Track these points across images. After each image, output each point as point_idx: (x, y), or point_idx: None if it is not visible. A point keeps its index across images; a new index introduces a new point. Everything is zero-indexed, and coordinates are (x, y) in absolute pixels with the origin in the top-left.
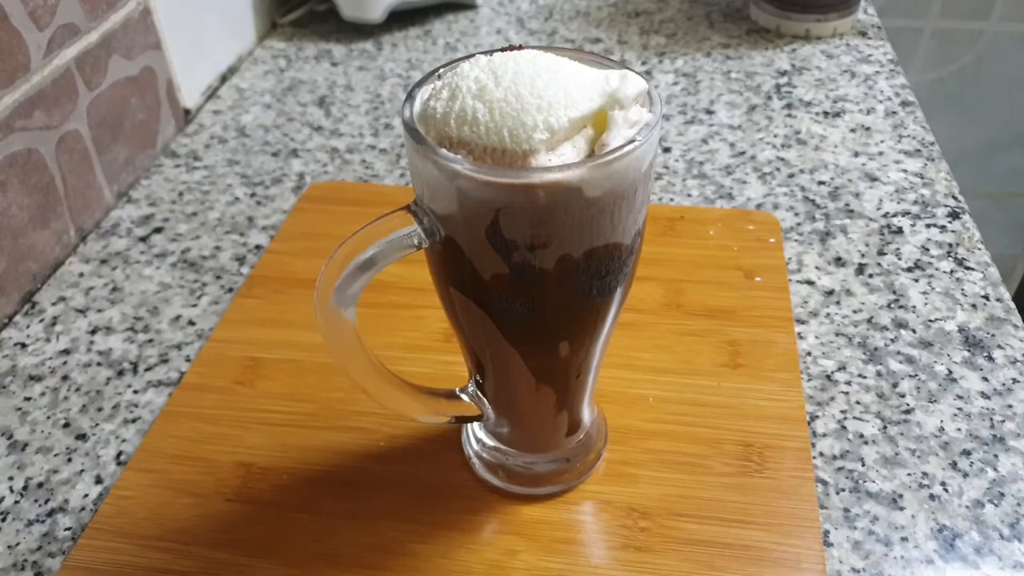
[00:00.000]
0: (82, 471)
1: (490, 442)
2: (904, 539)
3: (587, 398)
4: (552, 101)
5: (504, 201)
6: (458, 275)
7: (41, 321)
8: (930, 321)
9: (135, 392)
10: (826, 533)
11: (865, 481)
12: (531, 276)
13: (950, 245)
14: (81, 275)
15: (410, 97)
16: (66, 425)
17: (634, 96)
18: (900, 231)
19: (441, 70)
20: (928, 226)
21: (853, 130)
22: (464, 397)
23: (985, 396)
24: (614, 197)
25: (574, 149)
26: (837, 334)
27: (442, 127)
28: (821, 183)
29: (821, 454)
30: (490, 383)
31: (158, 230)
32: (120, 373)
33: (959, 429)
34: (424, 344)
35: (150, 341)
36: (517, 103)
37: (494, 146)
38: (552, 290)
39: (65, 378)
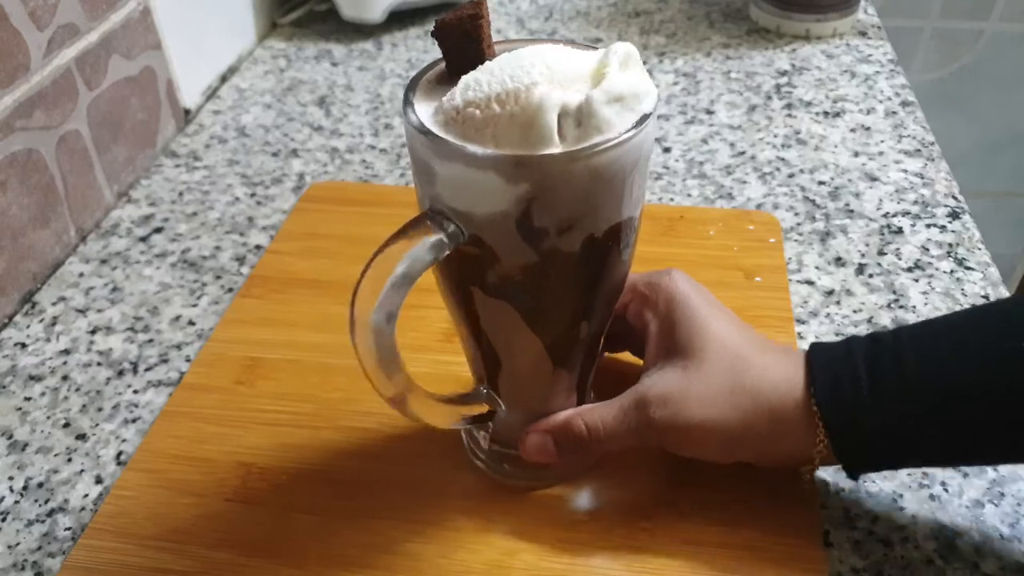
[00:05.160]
0: (82, 471)
1: (494, 436)
2: (904, 539)
3: (591, 379)
4: (548, 54)
5: (539, 183)
6: (480, 273)
7: (41, 321)
8: None
9: (135, 392)
10: (826, 533)
11: (865, 481)
12: (559, 260)
13: (950, 245)
14: (81, 275)
15: (408, 103)
16: (66, 425)
17: (626, 52)
18: (900, 231)
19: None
20: (928, 226)
21: (853, 130)
22: (478, 400)
23: None
24: (633, 169)
25: (578, 94)
26: (837, 334)
27: (448, 108)
28: (821, 183)
29: None
30: (505, 377)
31: (158, 230)
32: (120, 373)
33: None
34: (424, 344)
35: (150, 341)
36: (513, 60)
37: (497, 92)
38: (577, 271)
39: (65, 378)
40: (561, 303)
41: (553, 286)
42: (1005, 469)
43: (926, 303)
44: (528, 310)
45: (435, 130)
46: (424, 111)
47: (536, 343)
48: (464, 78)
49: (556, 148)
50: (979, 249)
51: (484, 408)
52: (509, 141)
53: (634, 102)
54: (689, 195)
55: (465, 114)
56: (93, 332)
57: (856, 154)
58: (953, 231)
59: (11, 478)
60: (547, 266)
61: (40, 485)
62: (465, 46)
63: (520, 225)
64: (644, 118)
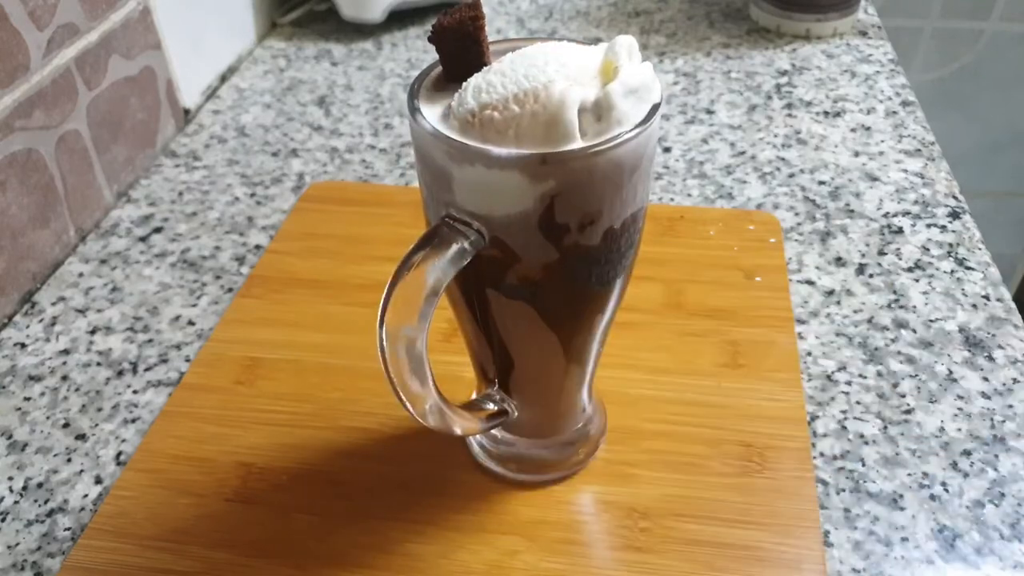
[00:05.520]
0: (82, 471)
1: (499, 435)
2: (904, 539)
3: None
4: (556, 51)
5: (563, 179)
6: (499, 275)
7: (41, 321)
8: (930, 321)
9: (135, 392)
10: (826, 533)
11: (865, 481)
12: (580, 256)
13: (950, 245)
14: (81, 275)
15: (415, 110)
16: (66, 425)
17: (630, 44)
18: (900, 231)
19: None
20: (928, 226)
21: (853, 130)
22: (490, 404)
23: (985, 396)
24: (646, 159)
25: (593, 89)
26: (837, 334)
27: (461, 112)
28: (821, 183)
29: (821, 454)
30: (518, 378)
31: (158, 230)
32: (120, 373)
33: (959, 429)
34: None
35: (150, 341)
36: (524, 59)
37: (515, 92)
38: (596, 265)
39: (65, 378)
40: (580, 298)
41: (573, 282)
42: (1005, 469)
43: (927, 303)
44: (547, 308)
45: (451, 135)
46: (431, 117)
47: (552, 341)
48: (471, 81)
49: (578, 143)
50: (979, 249)
51: (495, 410)
52: (531, 140)
53: (646, 93)
54: (689, 195)
55: (483, 117)
56: (93, 332)
57: (856, 154)
58: (953, 231)
59: (11, 478)
60: (568, 262)
61: (40, 485)
62: (466, 48)
63: (542, 223)
64: (655, 108)
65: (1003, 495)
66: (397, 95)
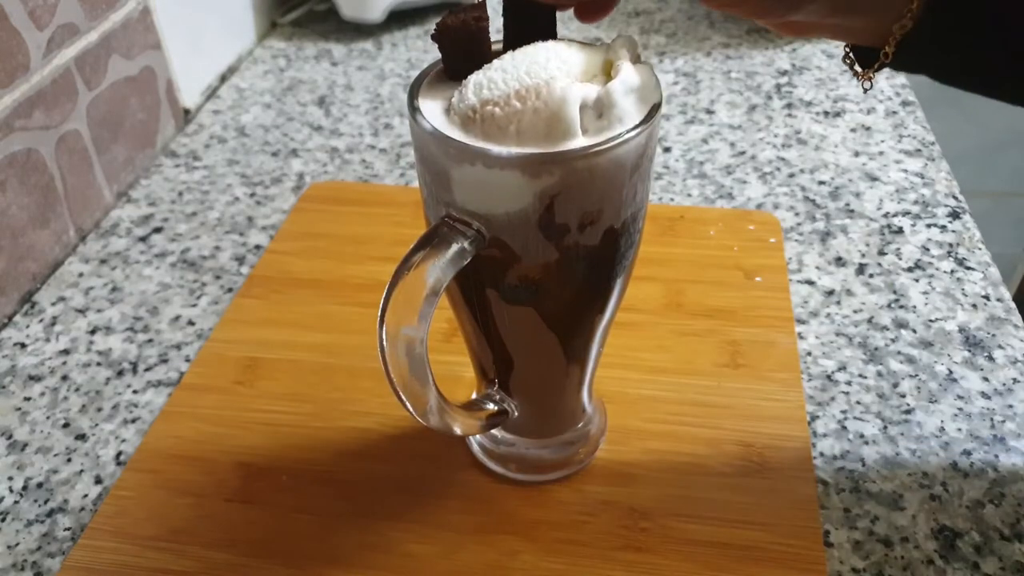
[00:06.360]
0: (82, 471)
1: (499, 435)
2: (904, 539)
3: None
4: (558, 50)
5: (564, 179)
6: (499, 275)
7: (41, 321)
8: (930, 321)
9: (135, 392)
10: (826, 533)
11: (865, 481)
12: (580, 256)
13: (950, 245)
14: (81, 275)
15: (415, 110)
16: (66, 425)
17: (632, 43)
18: (900, 231)
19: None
20: (928, 226)
21: (853, 130)
22: (490, 404)
23: (985, 396)
24: (647, 159)
25: (594, 86)
26: (837, 334)
27: (462, 108)
28: (821, 183)
29: (821, 454)
30: (518, 378)
31: (158, 230)
32: (120, 373)
33: (959, 429)
34: None
35: (150, 341)
36: (526, 57)
37: (516, 89)
38: (596, 265)
39: (65, 378)
40: (579, 299)
41: (573, 282)
42: (1005, 468)
43: (926, 303)
44: (547, 308)
45: (452, 132)
46: (432, 115)
47: (552, 341)
48: (472, 78)
49: (579, 141)
50: (979, 249)
51: (495, 410)
52: (533, 136)
53: (646, 92)
54: (689, 195)
55: (484, 113)
56: (93, 332)
57: (856, 154)
58: (953, 231)
59: (11, 478)
60: (568, 262)
61: (40, 485)
62: (468, 48)
63: (542, 223)
64: (656, 107)
65: (1003, 495)
66: (397, 95)
